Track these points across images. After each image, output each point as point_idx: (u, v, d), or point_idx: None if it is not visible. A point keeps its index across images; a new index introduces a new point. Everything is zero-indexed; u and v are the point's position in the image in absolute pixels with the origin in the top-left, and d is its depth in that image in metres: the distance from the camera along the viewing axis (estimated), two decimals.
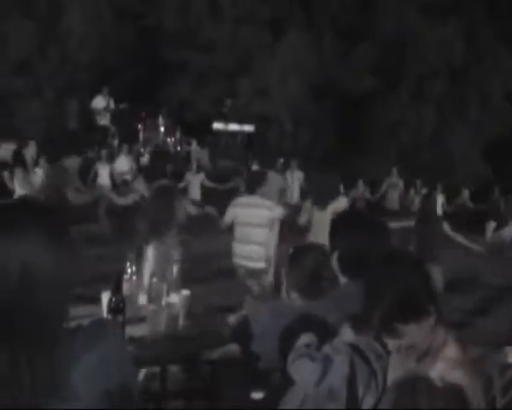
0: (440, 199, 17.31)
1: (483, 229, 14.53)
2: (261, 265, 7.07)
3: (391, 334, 2.28)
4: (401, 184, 17.50)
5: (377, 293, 2.33)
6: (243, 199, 7.47)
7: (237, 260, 7.21)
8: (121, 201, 9.71)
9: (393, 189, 17.25)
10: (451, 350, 2.30)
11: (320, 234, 6.91)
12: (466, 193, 18.22)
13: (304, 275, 3.34)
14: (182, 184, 16.15)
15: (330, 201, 7.46)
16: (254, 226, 7.03)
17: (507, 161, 23.72)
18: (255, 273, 7.03)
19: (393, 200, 17.15)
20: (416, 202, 17.24)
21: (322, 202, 7.42)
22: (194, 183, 17.01)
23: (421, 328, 2.28)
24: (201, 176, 17.56)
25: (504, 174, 21.62)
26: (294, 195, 16.35)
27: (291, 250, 3.59)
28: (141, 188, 13.91)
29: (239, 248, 7.17)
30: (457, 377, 2.19)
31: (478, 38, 25.01)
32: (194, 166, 17.94)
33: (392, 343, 2.31)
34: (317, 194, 7.55)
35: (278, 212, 7.23)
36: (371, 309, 2.32)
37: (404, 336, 2.26)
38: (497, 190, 18.25)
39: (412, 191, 17.83)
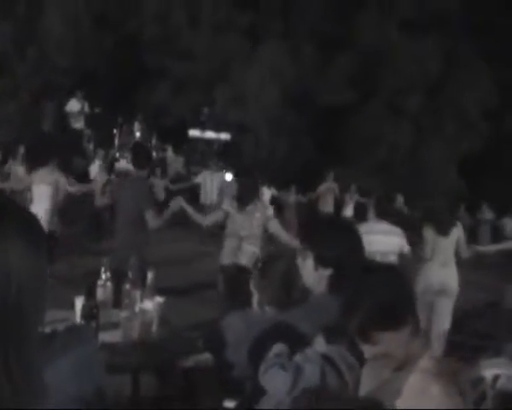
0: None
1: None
2: None
3: (367, 341, 2.29)
4: (336, 188, 17.74)
5: (354, 301, 2.34)
6: (375, 226, 7.31)
7: None
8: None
9: (329, 193, 17.50)
10: (427, 362, 2.31)
11: (443, 260, 7.26)
12: (400, 199, 18.38)
13: (275, 285, 3.35)
14: None
15: (453, 227, 7.45)
16: (383, 255, 6.93)
17: (482, 176, 23.98)
18: None
19: (328, 203, 17.46)
20: (350, 206, 17.74)
21: (445, 230, 7.39)
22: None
23: (397, 337, 2.28)
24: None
25: (479, 189, 21.87)
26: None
27: (260, 262, 3.59)
28: None
29: None
30: (434, 390, 2.21)
31: (455, 53, 25.26)
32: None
33: (368, 351, 2.33)
34: (439, 222, 7.49)
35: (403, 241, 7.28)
36: (348, 316, 2.33)
37: (380, 344, 2.27)
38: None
39: (348, 196, 18.15)
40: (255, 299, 3.43)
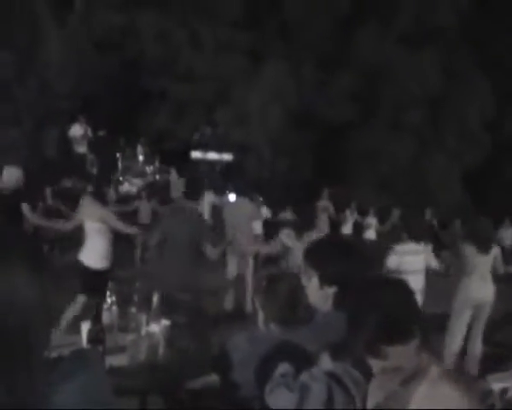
0: (374, 220, 17.66)
1: None
2: None
3: (376, 356, 2.29)
4: (331, 207, 17.62)
5: (361, 316, 2.35)
6: (405, 247, 7.51)
7: None
8: None
9: (323, 212, 17.40)
10: (435, 373, 2.31)
11: (482, 275, 7.53)
12: (396, 213, 18.31)
13: (279, 304, 3.35)
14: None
15: (493, 245, 7.72)
16: (414, 273, 7.18)
17: (485, 188, 23.95)
18: None
19: (322, 222, 17.38)
20: (349, 223, 17.70)
21: (487, 248, 7.59)
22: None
23: (406, 350, 2.29)
24: None
25: (482, 201, 21.83)
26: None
27: (264, 280, 3.60)
28: None
29: None
30: (445, 391, 2.21)
31: (455, 67, 25.31)
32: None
33: (376, 365, 2.33)
34: (482, 241, 7.72)
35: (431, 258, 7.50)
36: (355, 332, 2.33)
37: (388, 358, 2.28)
38: (429, 213, 18.27)
39: (347, 212, 18.12)
40: (260, 317, 3.43)
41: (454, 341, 7.49)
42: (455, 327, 7.55)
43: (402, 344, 2.28)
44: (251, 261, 10.51)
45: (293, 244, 7.51)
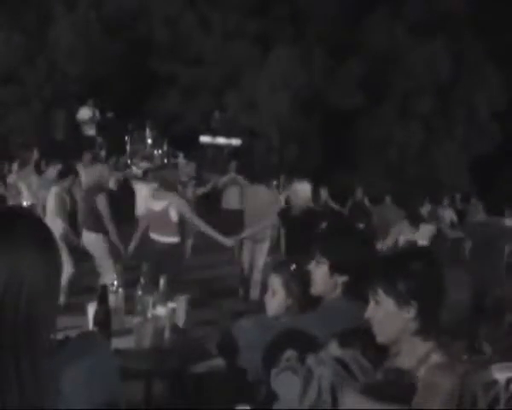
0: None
1: None
2: None
3: (373, 294, 2.38)
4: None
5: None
6: None
7: None
8: None
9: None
10: (434, 361, 2.30)
11: None
12: (324, 193, 17.90)
13: (302, 288, 3.35)
14: None
15: None
16: None
17: (493, 177, 23.86)
18: None
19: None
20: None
21: None
22: None
23: (387, 309, 2.34)
24: None
25: (490, 190, 21.74)
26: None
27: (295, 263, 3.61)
28: None
29: None
30: (440, 381, 2.21)
31: (465, 56, 25.19)
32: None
33: (370, 308, 2.41)
34: None
35: None
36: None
37: (380, 305, 2.34)
38: (361, 191, 17.81)
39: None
40: (279, 296, 3.45)
41: None
42: None
43: (397, 305, 2.34)
44: (266, 248, 10.41)
45: None
